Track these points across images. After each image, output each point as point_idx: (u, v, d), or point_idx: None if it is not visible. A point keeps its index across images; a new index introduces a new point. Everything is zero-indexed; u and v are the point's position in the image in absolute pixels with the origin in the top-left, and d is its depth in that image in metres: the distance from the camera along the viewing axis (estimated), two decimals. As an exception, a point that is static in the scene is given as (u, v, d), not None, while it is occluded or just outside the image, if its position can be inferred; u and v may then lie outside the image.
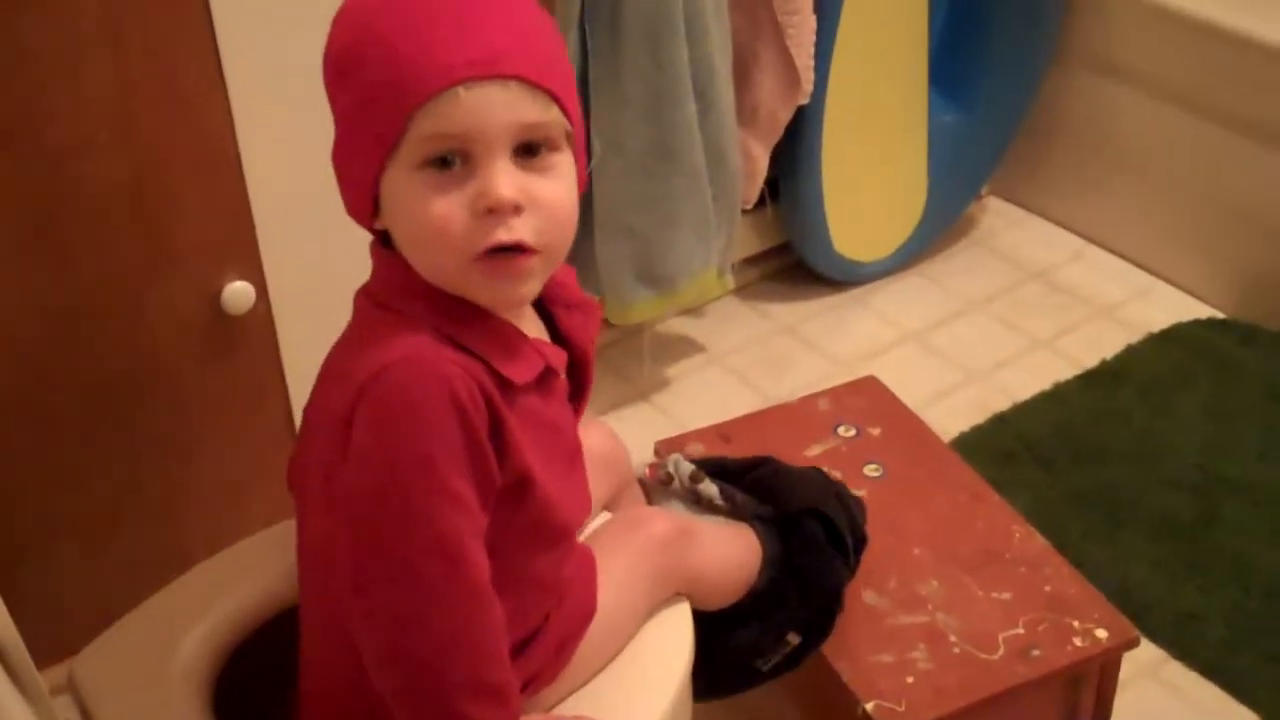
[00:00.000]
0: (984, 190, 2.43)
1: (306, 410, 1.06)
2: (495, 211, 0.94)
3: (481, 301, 0.99)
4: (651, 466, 1.38)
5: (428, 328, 0.97)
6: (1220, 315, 2.20)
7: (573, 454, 1.09)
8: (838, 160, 2.13)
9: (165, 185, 1.38)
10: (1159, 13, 2.13)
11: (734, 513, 1.32)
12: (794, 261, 2.29)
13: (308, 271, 1.50)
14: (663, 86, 1.76)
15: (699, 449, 1.55)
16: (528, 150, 0.95)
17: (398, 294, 1.00)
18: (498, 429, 0.96)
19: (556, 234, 0.98)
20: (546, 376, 1.03)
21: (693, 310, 2.20)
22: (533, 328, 1.05)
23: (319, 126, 1.42)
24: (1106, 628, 1.34)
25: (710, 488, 1.34)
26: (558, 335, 1.08)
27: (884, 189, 2.25)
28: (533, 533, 1.03)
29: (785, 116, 1.97)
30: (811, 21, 1.91)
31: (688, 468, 1.35)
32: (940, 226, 2.34)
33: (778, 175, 2.12)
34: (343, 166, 1.00)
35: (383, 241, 1.02)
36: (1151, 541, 1.79)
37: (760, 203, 2.10)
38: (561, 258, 1.01)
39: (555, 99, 0.95)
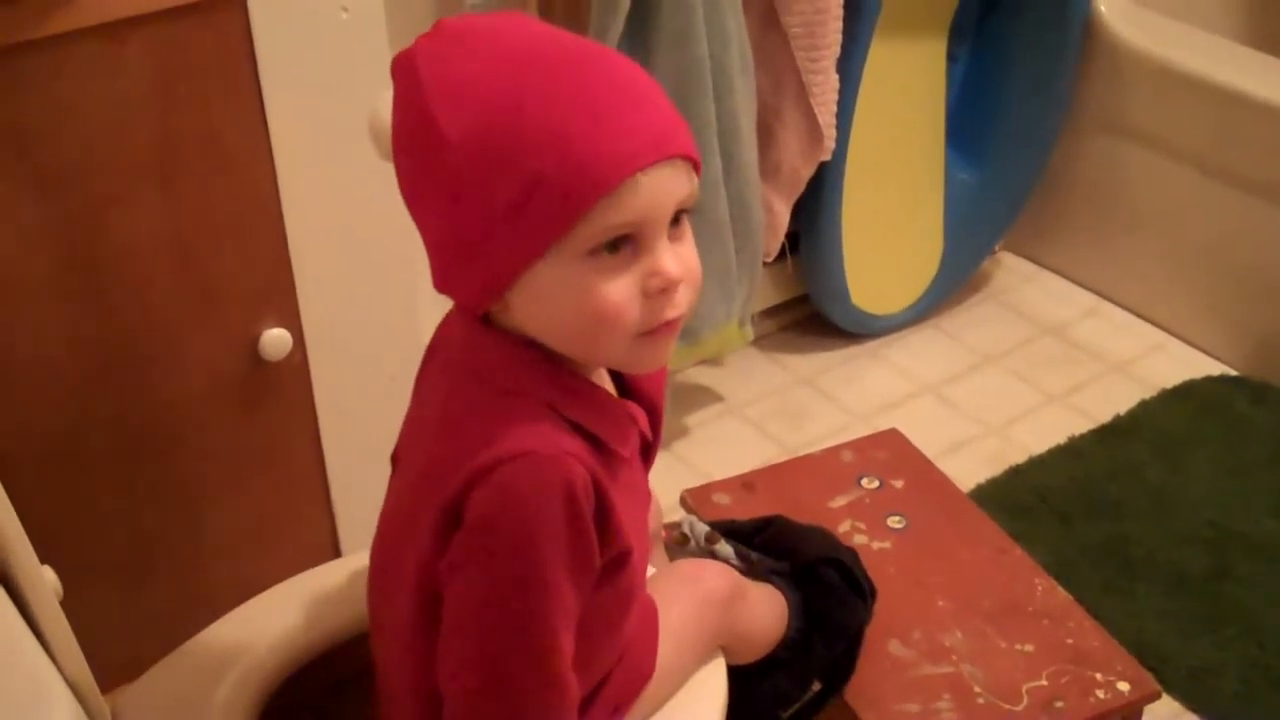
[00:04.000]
0: (998, 246, 2.46)
1: (396, 486, 1.08)
2: (668, 291, 0.94)
3: (630, 371, 1.01)
4: (668, 527, 1.40)
5: (544, 408, 0.96)
6: (1232, 372, 2.23)
7: (645, 507, 1.11)
8: (857, 216, 2.17)
9: (207, 235, 1.41)
10: (1171, 75, 2.17)
11: (750, 572, 1.33)
12: (812, 314, 2.32)
13: (344, 321, 1.53)
14: (689, 142, 1.78)
15: (724, 499, 1.57)
16: (674, 220, 0.94)
17: (510, 372, 0.98)
18: (604, 515, 0.97)
19: (695, 298, 0.98)
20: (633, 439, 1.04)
21: (712, 360, 2.23)
22: (607, 385, 1.05)
23: (359, 181, 1.47)
24: (1129, 681, 1.36)
25: (726, 548, 1.36)
26: (624, 390, 1.08)
27: (901, 244, 2.28)
28: (620, 602, 1.05)
29: (807, 173, 2.01)
30: (834, 81, 1.94)
31: (703, 529, 1.37)
32: (956, 281, 2.37)
33: (798, 229, 2.16)
34: (471, 256, 0.94)
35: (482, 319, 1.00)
36: (1166, 595, 1.81)
37: (780, 256, 2.13)
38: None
39: (697, 170, 0.96)
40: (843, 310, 2.26)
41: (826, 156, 2.00)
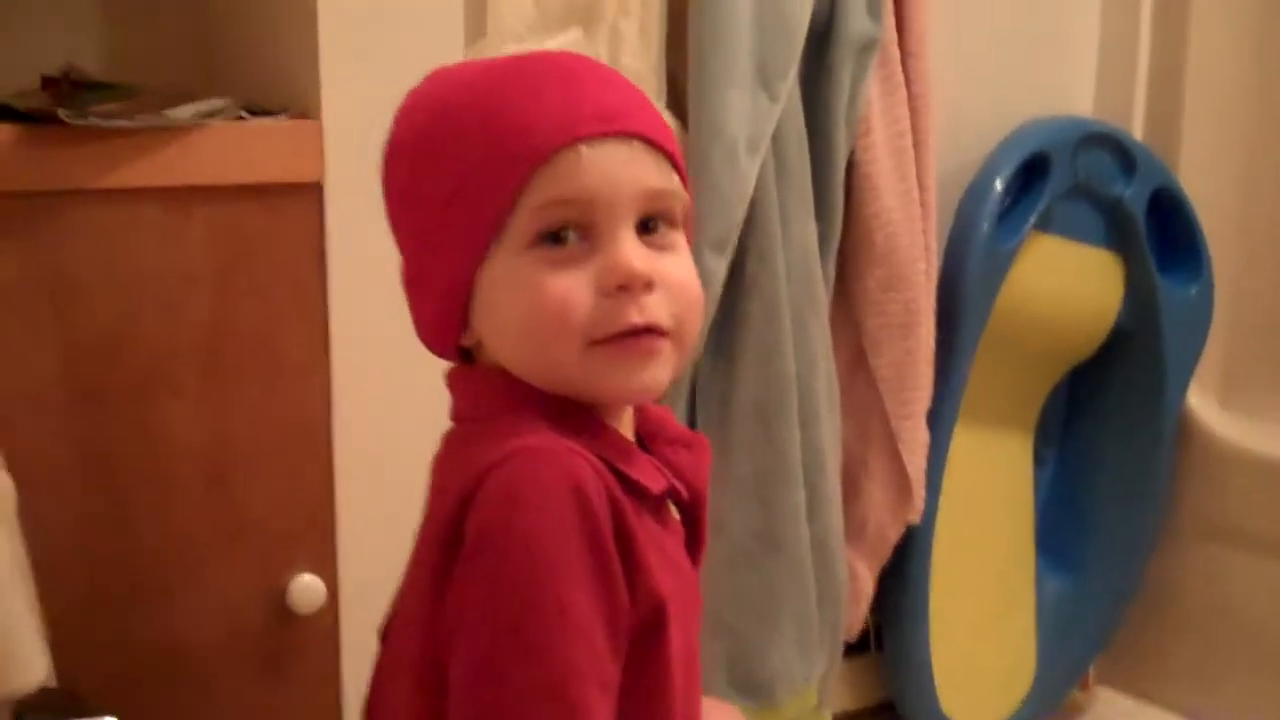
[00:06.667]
0: (1092, 678, 2.23)
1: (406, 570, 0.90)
2: (627, 288, 0.82)
3: (603, 396, 0.85)
4: None
5: (544, 422, 0.82)
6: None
7: (696, 612, 0.92)
8: (944, 616, 1.97)
9: (246, 451, 1.26)
10: (1275, 469, 2.03)
11: None
12: (895, 723, 2.07)
13: (387, 578, 1.32)
14: (772, 467, 1.65)
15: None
16: (647, 226, 0.84)
17: (500, 404, 0.85)
18: (626, 540, 0.79)
19: (689, 317, 0.85)
20: (663, 509, 0.88)
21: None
22: None
23: (425, 415, 1.32)
24: None
25: None
26: None
27: (993, 648, 2.07)
28: (658, 685, 0.83)
29: (894, 534, 1.84)
30: (924, 434, 1.82)
31: None
32: (1050, 698, 2.13)
33: (881, 622, 1.96)
34: (425, 275, 0.88)
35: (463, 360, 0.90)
36: None
37: (863, 645, 1.92)
38: (691, 348, 0.87)
39: (675, 165, 0.86)
40: (931, 717, 2.00)
41: (916, 517, 1.83)
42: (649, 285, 0.82)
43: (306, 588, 1.29)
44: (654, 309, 0.82)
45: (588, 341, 0.82)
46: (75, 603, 1.20)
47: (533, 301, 0.82)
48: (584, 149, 0.81)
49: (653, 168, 0.84)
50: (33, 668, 0.71)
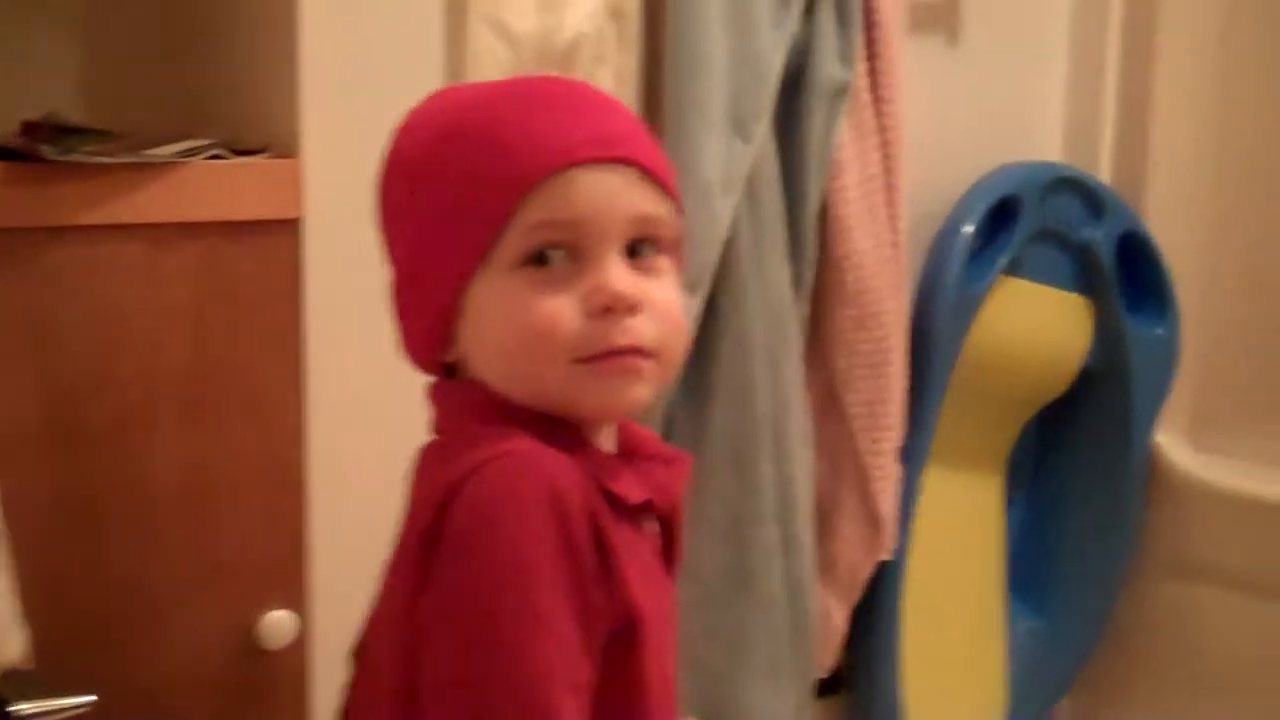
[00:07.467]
0: (1059, 715, 2.24)
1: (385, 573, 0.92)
2: (612, 310, 0.84)
3: (585, 413, 0.88)
4: None
5: (527, 433, 0.84)
6: None
7: (672, 625, 0.93)
8: (917, 648, 1.99)
9: (220, 486, 1.27)
10: (1244, 504, 2.06)
11: None
12: (864, 766, 2.07)
13: (359, 612, 1.33)
14: (744, 504, 1.66)
15: None
16: (635, 251, 0.87)
17: (483, 416, 0.87)
18: (605, 550, 0.81)
19: (673, 340, 0.88)
20: (642, 520, 0.90)
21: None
22: None
23: (398, 453, 1.33)
24: None
25: None
26: None
27: (963, 687, 2.09)
28: (630, 695, 0.85)
29: (866, 572, 1.85)
30: (896, 470, 1.83)
31: None
32: (1021, 738, 2.14)
33: (853, 661, 1.97)
34: (416, 289, 0.90)
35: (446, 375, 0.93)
36: None
37: (835, 685, 1.93)
38: (674, 371, 0.91)
39: (667, 193, 0.89)
40: (902, 759, 2.02)
41: (887, 554, 1.85)
42: (633, 308, 0.85)
43: (278, 623, 1.29)
44: (638, 330, 0.85)
45: (572, 359, 0.84)
46: (47, 637, 1.21)
47: (520, 321, 0.84)
48: (577, 173, 0.85)
49: (645, 194, 0.87)
50: (9, 644, 0.72)
